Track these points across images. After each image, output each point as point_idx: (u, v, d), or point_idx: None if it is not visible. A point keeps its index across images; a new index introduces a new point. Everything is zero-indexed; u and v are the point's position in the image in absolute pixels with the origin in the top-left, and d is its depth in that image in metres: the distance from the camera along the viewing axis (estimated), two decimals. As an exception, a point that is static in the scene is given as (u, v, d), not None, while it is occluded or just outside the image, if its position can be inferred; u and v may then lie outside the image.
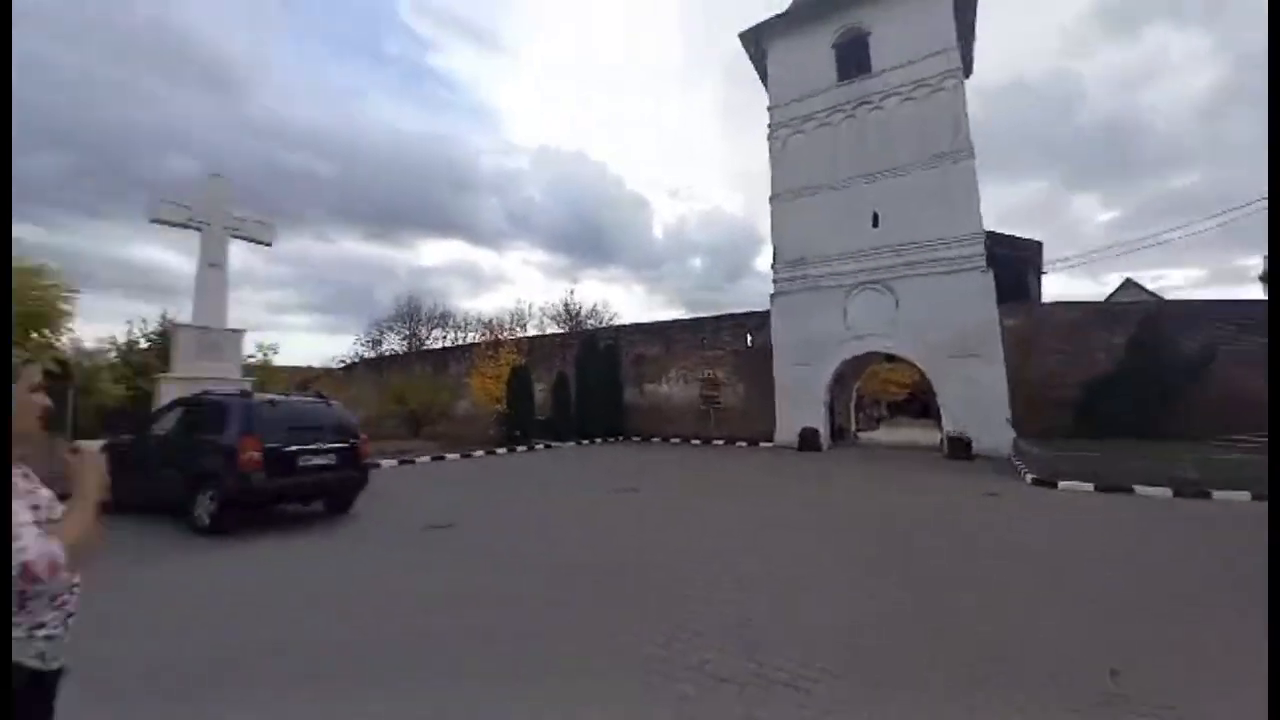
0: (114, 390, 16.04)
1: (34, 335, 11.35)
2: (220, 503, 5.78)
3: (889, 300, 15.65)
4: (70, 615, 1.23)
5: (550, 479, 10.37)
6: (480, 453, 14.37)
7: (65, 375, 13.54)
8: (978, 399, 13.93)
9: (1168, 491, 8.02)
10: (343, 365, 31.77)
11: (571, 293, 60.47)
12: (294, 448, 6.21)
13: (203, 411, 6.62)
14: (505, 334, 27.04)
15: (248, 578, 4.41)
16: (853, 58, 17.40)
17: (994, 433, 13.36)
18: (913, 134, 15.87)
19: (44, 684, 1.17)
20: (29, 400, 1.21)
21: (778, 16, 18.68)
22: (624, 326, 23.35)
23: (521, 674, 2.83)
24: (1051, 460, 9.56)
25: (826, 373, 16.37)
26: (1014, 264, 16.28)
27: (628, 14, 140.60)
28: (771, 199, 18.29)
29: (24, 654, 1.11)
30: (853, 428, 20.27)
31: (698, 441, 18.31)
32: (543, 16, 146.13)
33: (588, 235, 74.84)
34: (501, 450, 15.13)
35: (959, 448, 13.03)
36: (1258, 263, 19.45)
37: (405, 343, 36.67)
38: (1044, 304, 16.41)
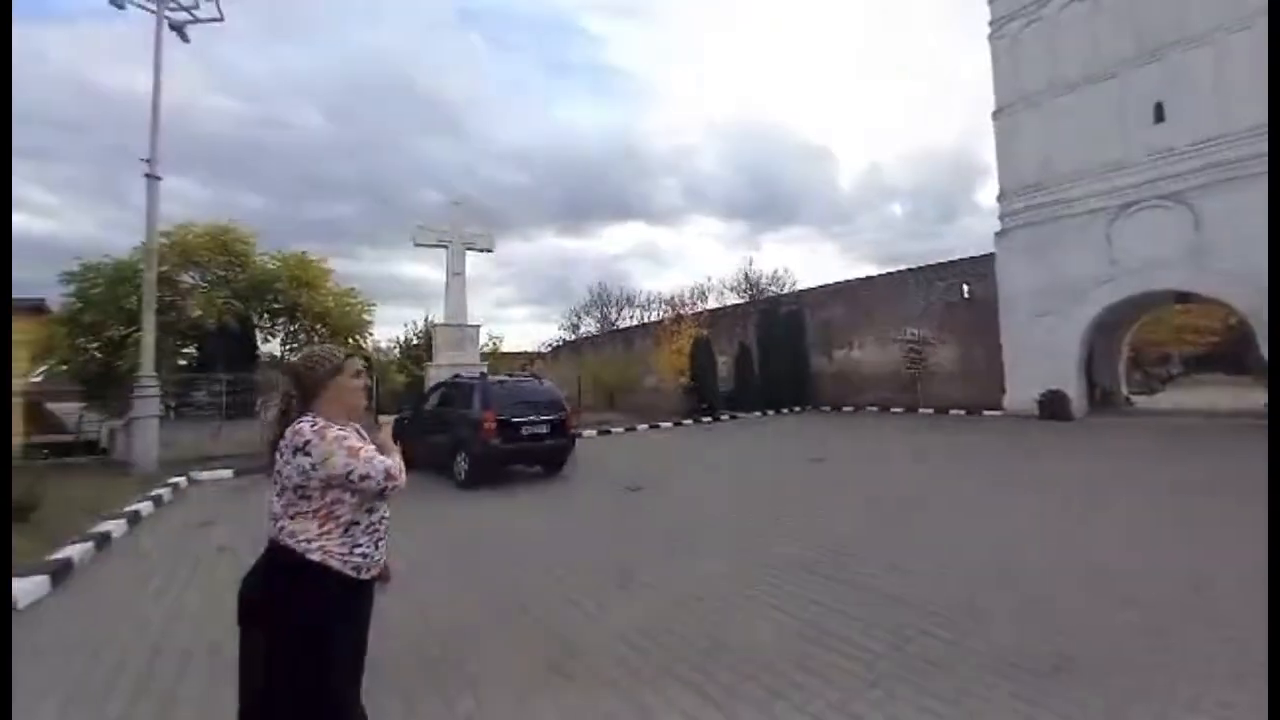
0: (399, 378, 21.06)
1: (349, 340, 15.47)
2: (470, 462, 7.23)
3: (1184, 219, 11.71)
4: (380, 540, 1.57)
5: (730, 449, 10.45)
6: (668, 424, 15.15)
7: (370, 369, 18.34)
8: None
9: None
10: (549, 348, 36.35)
11: (750, 261, 59.14)
12: (518, 419, 7.41)
13: (456, 391, 8.29)
14: (687, 309, 27.80)
15: (487, 517, 5.46)
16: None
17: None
18: (1219, -16, 11.40)
19: (360, 588, 1.52)
20: (354, 383, 1.61)
21: None
22: (807, 290, 21.96)
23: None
24: None
25: (1080, 322, 13.08)
26: None
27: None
28: (996, 114, 15.09)
29: (344, 566, 1.45)
30: (1123, 390, 15.96)
31: (900, 410, 16.43)
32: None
33: (765, 198, 71.77)
34: (687, 421, 15.72)
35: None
36: None
37: (599, 325, 40.37)
38: None
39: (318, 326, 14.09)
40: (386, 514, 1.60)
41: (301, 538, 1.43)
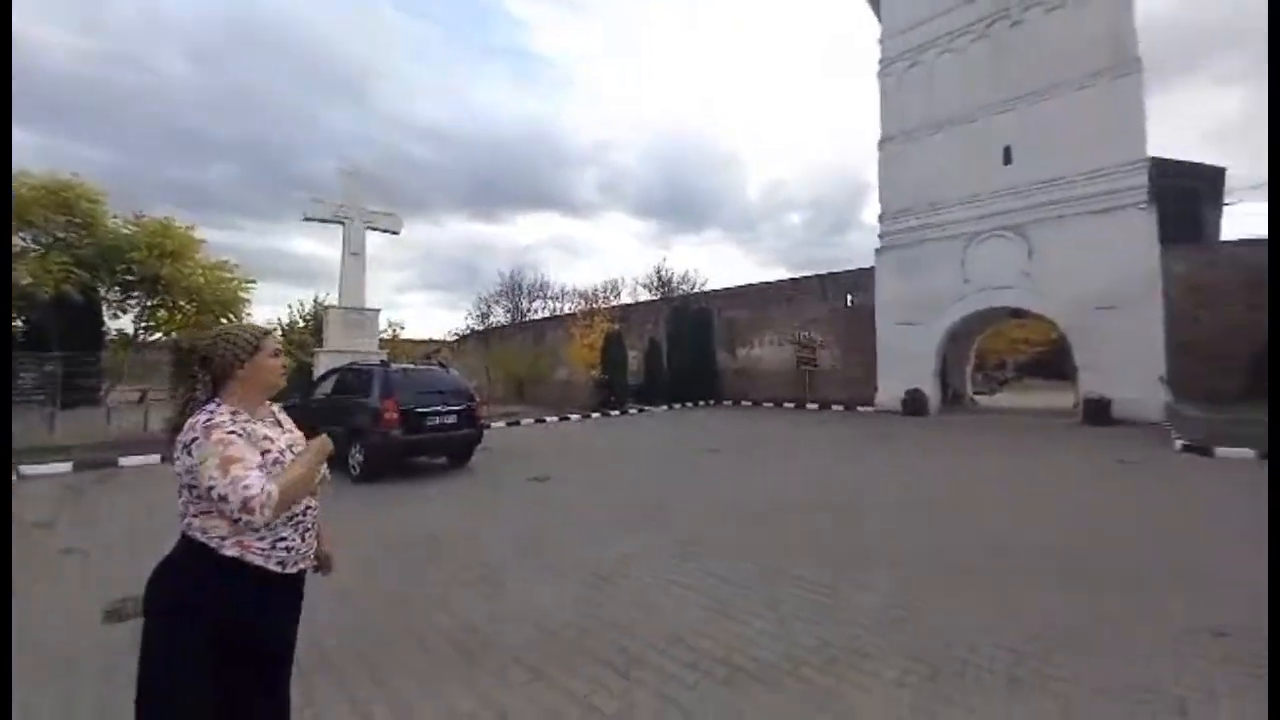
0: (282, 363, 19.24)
1: (222, 319, 13.91)
2: (366, 454, 6.93)
3: (1020, 248, 13.91)
4: (308, 530, 1.51)
5: (637, 441, 10.90)
6: (577, 416, 15.34)
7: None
8: (1126, 357, 12.11)
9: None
10: (456, 337, 34.91)
11: (664, 260, 60.61)
12: (422, 409, 7.21)
13: (352, 378, 7.86)
14: (600, 303, 28.06)
15: (385, 513, 5.35)
16: (987, -38, 15.09)
17: (1143, 394, 11.63)
18: (1062, 49, 13.49)
19: (285, 582, 1.45)
20: (273, 362, 1.52)
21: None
22: (715, 291, 23.14)
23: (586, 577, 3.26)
24: (1210, 424, 8.23)
25: (938, 331, 15.12)
26: (1186, 197, 13.72)
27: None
28: (881, 143, 16.83)
29: (267, 561, 1.39)
30: (969, 391, 18.64)
31: (791, 405, 17.97)
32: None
33: (680, 200, 73.91)
34: (596, 414, 16.01)
35: (1097, 411, 11.56)
36: None
37: (509, 315, 39.40)
38: (1223, 243, 13.73)
39: (183, 303, 12.50)
40: (314, 504, 1.54)
41: (214, 534, 1.34)
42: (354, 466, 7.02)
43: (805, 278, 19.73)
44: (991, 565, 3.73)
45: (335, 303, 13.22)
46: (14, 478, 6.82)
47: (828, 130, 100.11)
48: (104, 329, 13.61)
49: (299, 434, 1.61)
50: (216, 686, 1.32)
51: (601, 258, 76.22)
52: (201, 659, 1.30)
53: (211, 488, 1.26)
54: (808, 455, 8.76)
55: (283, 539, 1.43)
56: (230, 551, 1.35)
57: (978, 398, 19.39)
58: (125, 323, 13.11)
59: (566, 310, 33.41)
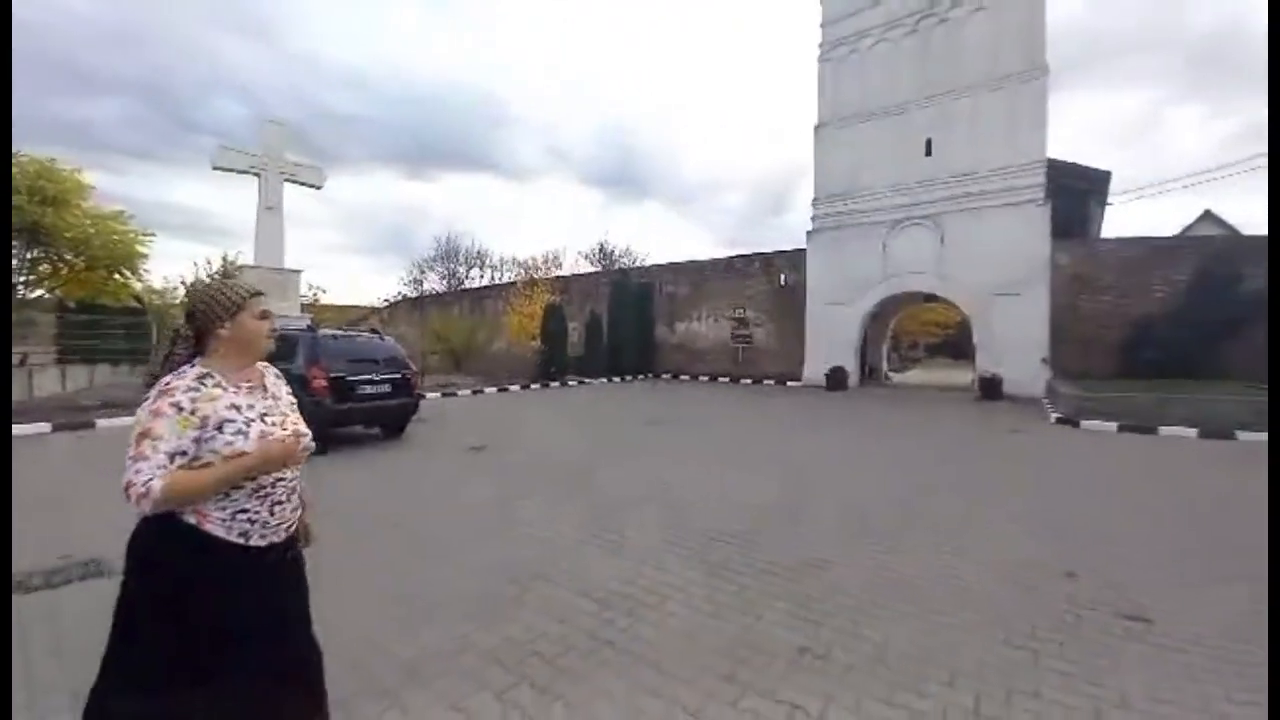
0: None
1: (116, 276, 12.55)
2: (294, 424, 6.64)
3: (934, 236, 15.06)
4: (278, 504, 1.41)
5: (577, 412, 11.08)
6: (516, 387, 15.26)
7: (142, 311, 15.04)
8: (1017, 339, 13.63)
9: (1193, 431, 8.01)
10: (386, 304, 33.17)
11: (607, 233, 59.90)
12: (354, 377, 6.98)
13: (277, 344, 7.42)
14: (541, 273, 27.53)
15: (315, 482, 5.25)
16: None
17: (1030, 373, 13.19)
18: (982, 49, 14.47)
19: (254, 555, 1.37)
20: (257, 325, 1.45)
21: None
22: (657, 265, 23.34)
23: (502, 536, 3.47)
24: (1079, 400, 9.54)
25: (860, 312, 16.20)
26: (1076, 196, 15.31)
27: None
28: (817, 128, 17.41)
29: (228, 533, 1.33)
30: (884, 368, 20.18)
31: (726, 380, 18.73)
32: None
33: (625, 171, 72.79)
34: (535, 386, 15.99)
35: (990, 388, 12.99)
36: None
37: (445, 282, 37.79)
38: (1102, 239, 15.52)
39: (69, 256, 11.14)
40: (286, 474, 1.44)
41: None
42: (279, 437, 6.71)
43: (743, 256, 20.32)
44: (872, 500, 4.27)
45: (250, 262, 12.25)
46: None
47: (773, 112, 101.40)
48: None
49: (286, 400, 1.55)
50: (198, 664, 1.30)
51: (543, 226, 74.19)
52: (163, 620, 1.29)
53: (127, 456, 1.25)
54: (734, 426, 9.29)
55: (244, 511, 1.35)
56: (189, 519, 1.30)
57: (892, 375, 21.04)
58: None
59: (506, 279, 32.54)
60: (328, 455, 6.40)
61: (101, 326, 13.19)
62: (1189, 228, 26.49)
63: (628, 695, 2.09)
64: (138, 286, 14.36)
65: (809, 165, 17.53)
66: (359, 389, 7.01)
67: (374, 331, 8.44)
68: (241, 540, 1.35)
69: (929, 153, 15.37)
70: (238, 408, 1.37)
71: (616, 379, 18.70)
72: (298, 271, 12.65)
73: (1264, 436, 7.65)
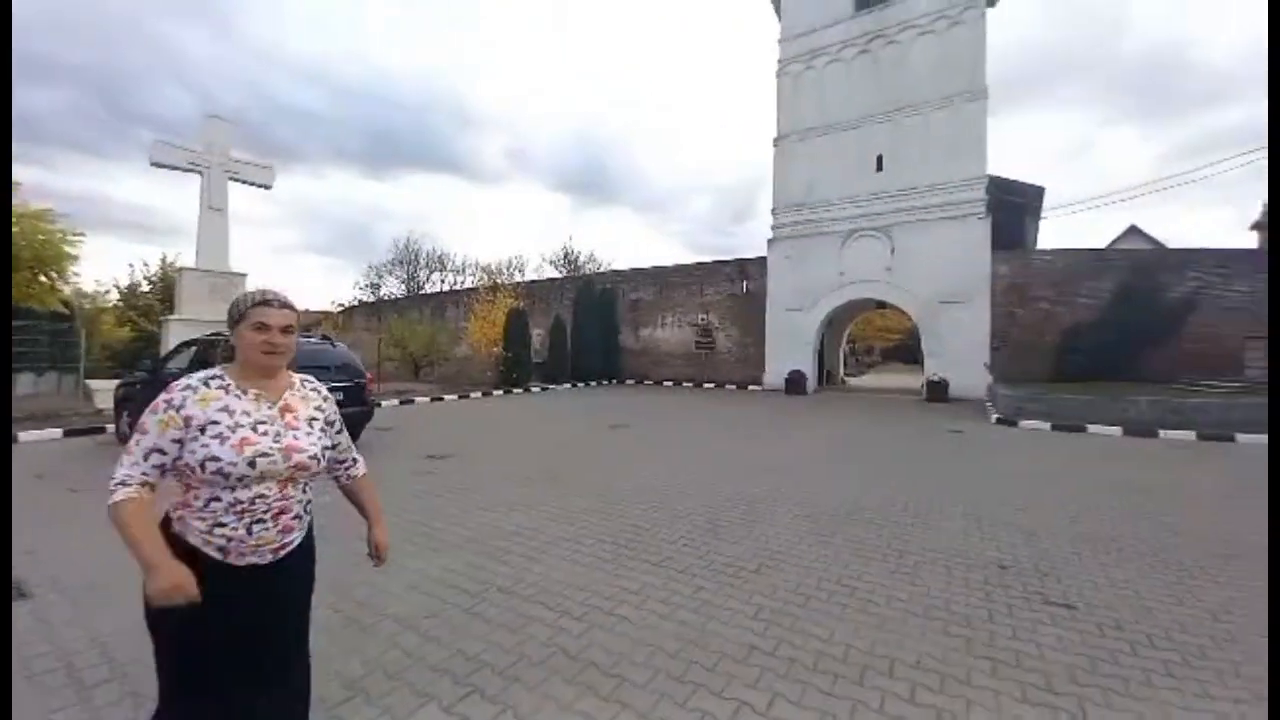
0: (120, 332, 16.51)
1: (41, 278, 11.68)
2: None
3: (885, 246, 15.72)
4: (257, 521, 1.33)
5: (541, 418, 10.99)
6: (478, 394, 14.99)
7: (70, 316, 14.03)
8: (962, 345, 14.36)
9: (1118, 430, 8.63)
10: (341, 309, 32.06)
11: (571, 238, 59.74)
12: (303, 385, 6.70)
13: (215, 351, 7.07)
14: (504, 278, 27.19)
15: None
16: (873, -19, 16.49)
17: (974, 377, 13.89)
18: (927, 71, 15.32)
19: (236, 573, 1.31)
20: (251, 336, 1.40)
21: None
22: (621, 271, 23.43)
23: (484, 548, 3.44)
24: (1016, 401, 10.13)
25: (817, 318, 16.72)
26: (1014, 210, 16.27)
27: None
28: (776, 140, 17.92)
29: (206, 546, 1.29)
30: (841, 372, 20.84)
31: (690, 384, 18.93)
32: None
33: (592, 177, 72.80)
34: (498, 392, 15.75)
35: (937, 391, 13.62)
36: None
37: (404, 286, 36.81)
38: (1038, 251, 16.50)
39: (-15, 257, 10.27)
40: (269, 493, 1.35)
41: (175, 499, 1.34)
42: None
43: (706, 263, 20.65)
44: (824, 498, 4.42)
45: (191, 264, 11.64)
46: None
47: (739, 121, 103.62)
48: None
49: (307, 416, 1.47)
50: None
51: (508, 231, 73.33)
52: (155, 631, 1.28)
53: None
54: (696, 430, 9.41)
55: (220, 525, 1.30)
56: (175, 527, 1.31)
57: (848, 378, 21.75)
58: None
59: (468, 284, 31.97)
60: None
61: (25, 332, 12.24)
62: (1116, 241, 28.59)
63: (578, 701, 2.10)
64: (66, 290, 13.39)
65: (770, 175, 18.02)
66: (309, 397, 6.73)
67: (325, 338, 8.16)
68: (219, 556, 1.30)
69: (880, 168, 16.06)
70: (230, 411, 1.34)
71: (580, 385, 18.62)
72: (242, 275, 12.08)
73: (1182, 434, 8.32)
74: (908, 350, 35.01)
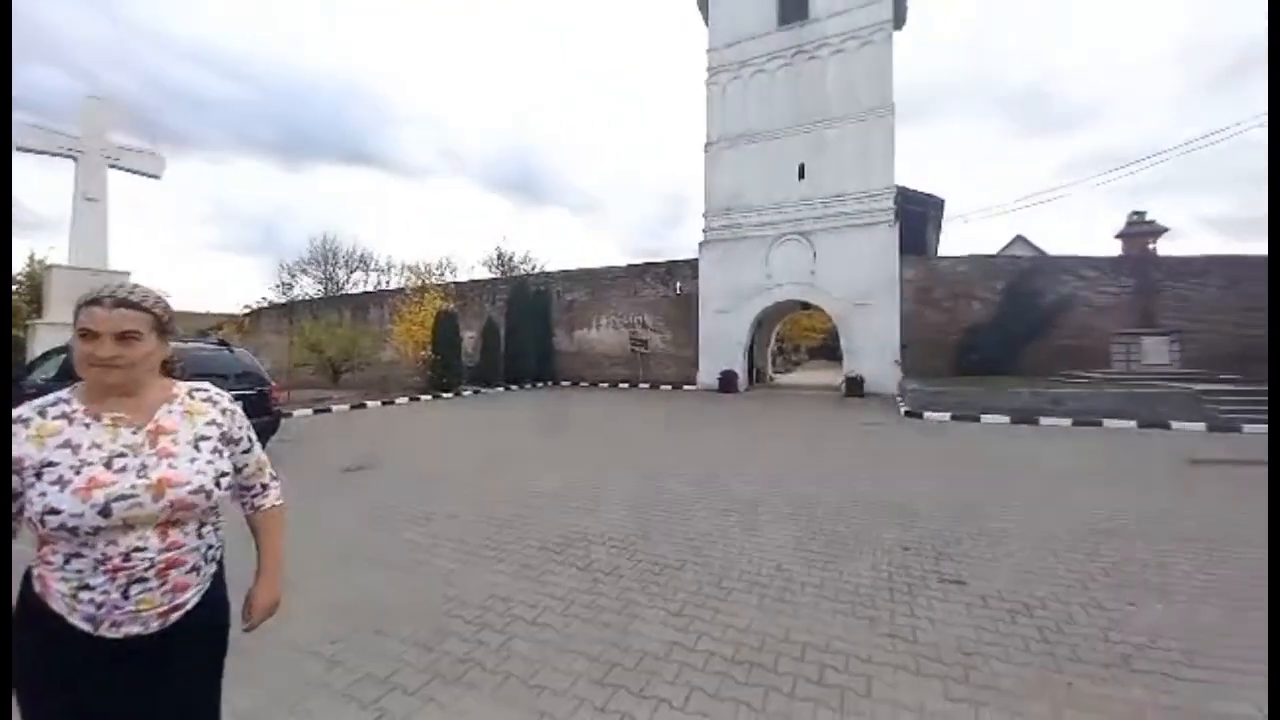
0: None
1: None
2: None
3: (808, 251, 16.55)
4: (137, 583, 1.06)
5: (470, 423, 10.65)
6: (404, 400, 14.29)
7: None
8: (876, 343, 15.39)
9: (1007, 418, 9.60)
10: (248, 311, 29.50)
11: (505, 238, 58.33)
12: (197, 395, 6.10)
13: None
14: (433, 279, 26.05)
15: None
16: (793, 1, 17.28)
17: (887, 373, 14.93)
18: (843, 87, 16.26)
19: (105, 649, 1.05)
20: (79, 345, 1.11)
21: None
22: (555, 273, 23.13)
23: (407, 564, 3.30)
24: (922, 395, 11.02)
25: (747, 319, 17.32)
26: (918, 219, 17.63)
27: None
28: (706, 146, 18.37)
29: (69, 613, 1.04)
30: (770, 371, 21.72)
31: (625, 385, 19.02)
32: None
33: (526, 178, 71.35)
34: (426, 397, 15.09)
35: (854, 387, 14.53)
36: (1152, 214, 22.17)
37: (321, 287, 34.42)
38: (940, 257, 17.98)
39: None
40: (146, 544, 1.07)
41: (37, 554, 1.06)
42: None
43: (641, 264, 20.83)
44: (749, 492, 4.61)
45: (63, 261, 10.31)
46: None
47: (673, 125, 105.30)
48: None
49: (190, 439, 1.19)
50: None
51: (440, 231, 70.37)
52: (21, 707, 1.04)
53: None
54: (629, 430, 9.48)
55: (87, 588, 1.03)
56: (35, 585, 1.06)
57: (776, 376, 22.72)
58: None
59: (394, 285, 30.39)
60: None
61: None
62: (1005, 248, 31.73)
63: (495, 714, 2.05)
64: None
65: (702, 180, 18.46)
66: (204, 409, 6.13)
67: (221, 343, 7.47)
68: (88, 627, 1.03)
69: (802, 176, 16.90)
70: (73, 447, 1.06)
71: (515, 387, 18.20)
72: (124, 273, 10.83)
73: (1060, 421, 9.37)
74: (830, 349, 37.05)
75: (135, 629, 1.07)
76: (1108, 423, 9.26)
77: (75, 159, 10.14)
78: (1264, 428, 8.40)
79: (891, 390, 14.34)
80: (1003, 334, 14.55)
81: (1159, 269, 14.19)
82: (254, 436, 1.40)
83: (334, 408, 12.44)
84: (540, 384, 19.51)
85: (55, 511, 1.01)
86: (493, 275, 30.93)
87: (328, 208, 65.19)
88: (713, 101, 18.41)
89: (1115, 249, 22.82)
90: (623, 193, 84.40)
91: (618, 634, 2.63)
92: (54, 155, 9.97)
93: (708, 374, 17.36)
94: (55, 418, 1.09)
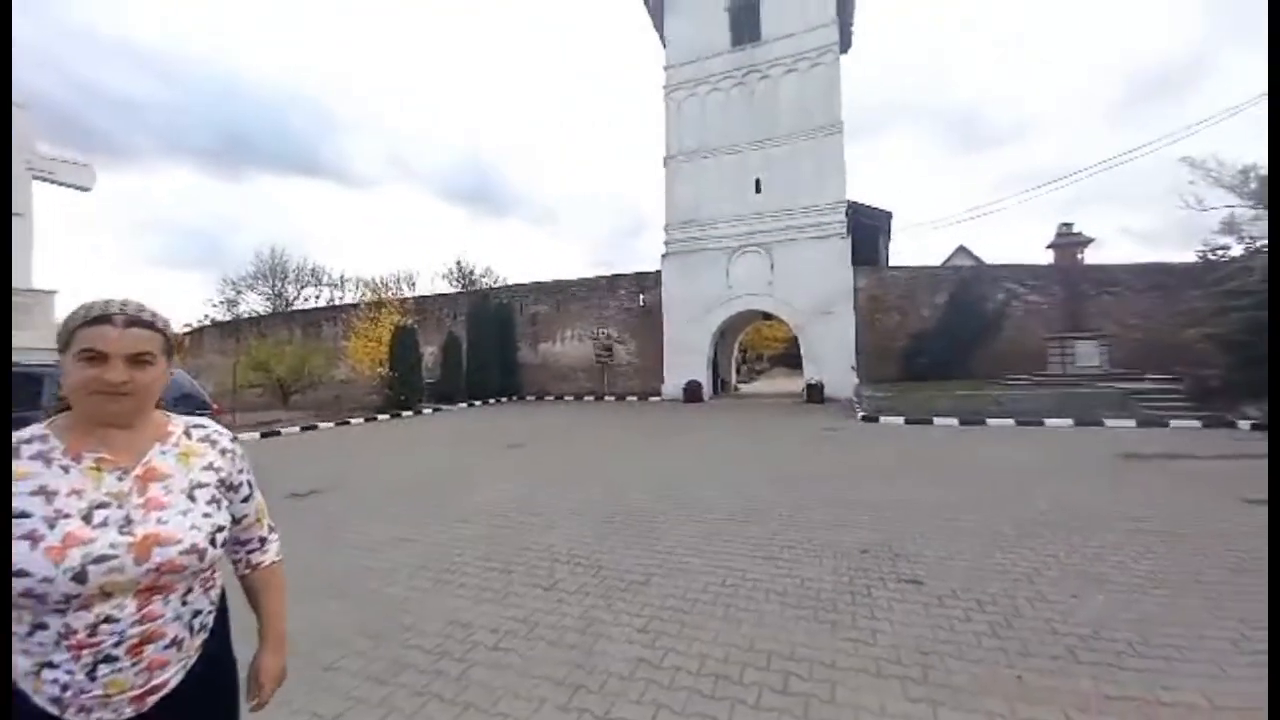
0: None
1: None
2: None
3: (766, 263, 16.98)
4: (106, 662, 0.89)
5: (431, 442, 10.34)
6: (360, 420, 13.76)
7: None
8: (833, 351, 15.87)
9: (955, 420, 10.06)
10: (189, 330, 27.92)
11: (465, 251, 57.43)
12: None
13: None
14: (390, 293, 25.32)
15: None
16: (746, 23, 17.90)
17: (844, 380, 15.38)
18: (794, 105, 16.90)
19: None
20: (76, 373, 0.95)
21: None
22: (518, 285, 22.87)
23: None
24: (877, 401, 11.41)
25: (710, 329, 17.57)
26: (869, 231, 18.37)
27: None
28: (666, 160, 18.67)
29: (33, 692, 0.88)
30: (734, 380, 22.04)
31: (591, 397, 18.91)
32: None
33: (484, 189, 70.61)
34: (384, 416, 14.59)
35: (814, 393, 14.91)
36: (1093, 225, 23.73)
37: (269, 303, 32.95)
38: (890, 267, 18.76)
39: None
40: (119, 614, 0.89)
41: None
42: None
43: (604, 276, 20.85)
44: (713, 502, 4.64)
45: (-28, 280, 9.48)
46: None
47: (633, 137, 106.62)
48: None
49: (186, 486, 1.00)
50: None
51: (396, 244, 68.61)
52: None
53: None
54: (594, 442, 9.41)
55: (50, 665, 0.87)
56: (14, 658, 0.88)
57: (740, 385, 23.08)
58: None
59: (348, 300, 29.38)
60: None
61: None
62: (949, 259, 33.39)
63: (454, 748, 1.97)
64: None
65: (663, 192, 18.71)
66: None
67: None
68: (54, 709, 0.87)
69: (759, 190, 17.39)
70: (48, 495, 0.89)
71: (478, 403, 17.82)
72: (51, 292, 10.06)
73: (1005, 421, 9.85)
74: (793, 357, 37.96)
75: (107, 715, 0.89)
76: (1048, 422, 9.81)
77: (-8, 170, 9.42)
78: (1188, 423, 9.08)
79: (848, 395, 14.78)
80: (949, 339, 15.25)
81: (1085, 277, 15.21)
82: (254, 481, 1.18)
83: (283, 430, 11.86)
84: (504, 399, 19.17)
85: (24, 574, 0.83)
86: (453, 289, 30.37)
87: (274, 220, 62.66)
88: (671, 116, 18.76)
89: (1048, 258, 24.36)
90: (583, 203, 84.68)
91: (583, 655, 2.58)
92: (-34, 166, 9.23)
93: (673, 385, 17.47)
94: (30, 458, 0.91)
